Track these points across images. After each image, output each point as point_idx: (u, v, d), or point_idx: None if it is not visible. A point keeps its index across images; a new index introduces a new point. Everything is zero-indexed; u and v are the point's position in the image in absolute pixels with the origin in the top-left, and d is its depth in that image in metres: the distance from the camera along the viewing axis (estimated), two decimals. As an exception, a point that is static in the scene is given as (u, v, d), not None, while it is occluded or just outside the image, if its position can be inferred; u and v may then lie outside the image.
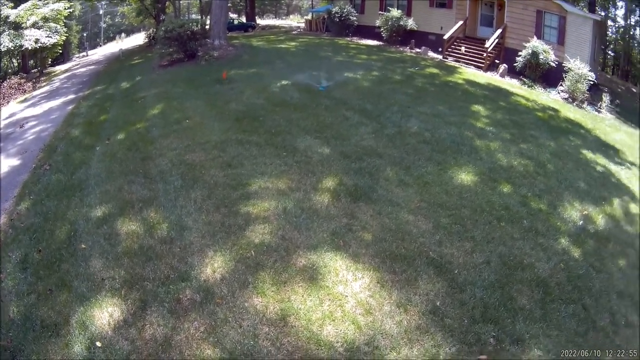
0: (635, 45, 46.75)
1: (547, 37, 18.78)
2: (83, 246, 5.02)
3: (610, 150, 11.42)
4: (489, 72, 18.50)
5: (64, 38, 22.19)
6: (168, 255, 4.73)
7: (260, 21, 48.79)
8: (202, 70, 14.20)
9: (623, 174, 9.90)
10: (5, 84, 18.88)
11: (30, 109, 13.54)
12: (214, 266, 4.54)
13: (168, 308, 4.04)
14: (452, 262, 5.23)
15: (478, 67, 18.86)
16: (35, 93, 17.13)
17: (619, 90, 26.18)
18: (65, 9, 21.94)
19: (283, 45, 20.05)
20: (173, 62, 16.00)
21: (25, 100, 15.77)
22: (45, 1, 21.02)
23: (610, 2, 44.03)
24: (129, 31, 47.75)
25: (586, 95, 16.72)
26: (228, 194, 5.86)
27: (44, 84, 19.38)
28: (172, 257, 4.71)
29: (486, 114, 11.28)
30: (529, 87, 17.19)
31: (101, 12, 41.60)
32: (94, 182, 6.63)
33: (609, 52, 49.15)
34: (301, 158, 7.14)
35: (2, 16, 19.24)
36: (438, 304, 4.54)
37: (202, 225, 5.19)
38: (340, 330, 4.04)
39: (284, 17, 58.61)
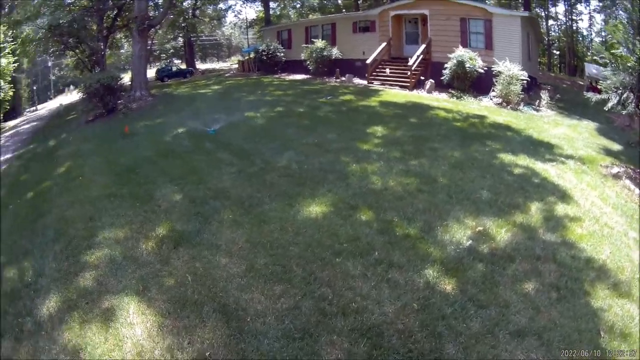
0: (580, 39, 49.19)
1: (474, 44, 18.90)
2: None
3: (541, 148, 10.69)
4: (415, 91, 18.62)
5: (10, 93, 23.49)
6: (25, 297, 5.98)
7: (202, 66, 50.51)
8: (118, 123, 15.35)
9: (553, 171, 9.06)
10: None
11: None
12: (49, 306, 5.65)
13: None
14: (247, 309, 5.03)
15: (403, 87, 19.07)
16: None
17: (564, 85, 26.94)
18: (9, 63, 22.88)
19: (203, 90, 20.76)
20: (96, 117, 17.19)
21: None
22: (-11, 57, 21.91)
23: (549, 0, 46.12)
24: (77, 83, 48.93)
25: (521, 96, 16.47)
26: (79, 244, 6.93)
27: (-7, 139, 20.91)
28: (28, 299, 5.92)
29: (383, 134, 11.42)
30: (457, 98, 17.11)
31: (50, 64, 41.77)
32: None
33: (554, 51, 51.39)
34: (151, 207, 7.81)
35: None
36: (208, 354, 4.49)
37: (53, 272, 6.40)
38: (111, 369, 4.47)
39: (226, 60, 60.79)
